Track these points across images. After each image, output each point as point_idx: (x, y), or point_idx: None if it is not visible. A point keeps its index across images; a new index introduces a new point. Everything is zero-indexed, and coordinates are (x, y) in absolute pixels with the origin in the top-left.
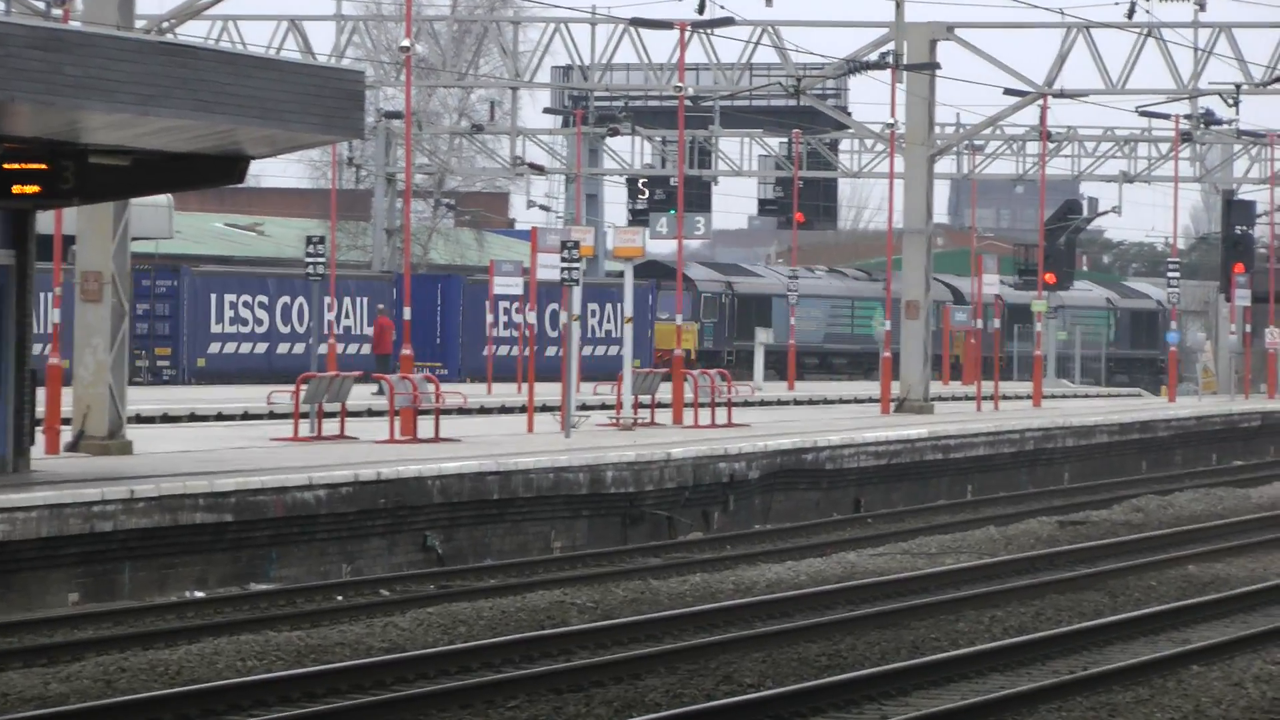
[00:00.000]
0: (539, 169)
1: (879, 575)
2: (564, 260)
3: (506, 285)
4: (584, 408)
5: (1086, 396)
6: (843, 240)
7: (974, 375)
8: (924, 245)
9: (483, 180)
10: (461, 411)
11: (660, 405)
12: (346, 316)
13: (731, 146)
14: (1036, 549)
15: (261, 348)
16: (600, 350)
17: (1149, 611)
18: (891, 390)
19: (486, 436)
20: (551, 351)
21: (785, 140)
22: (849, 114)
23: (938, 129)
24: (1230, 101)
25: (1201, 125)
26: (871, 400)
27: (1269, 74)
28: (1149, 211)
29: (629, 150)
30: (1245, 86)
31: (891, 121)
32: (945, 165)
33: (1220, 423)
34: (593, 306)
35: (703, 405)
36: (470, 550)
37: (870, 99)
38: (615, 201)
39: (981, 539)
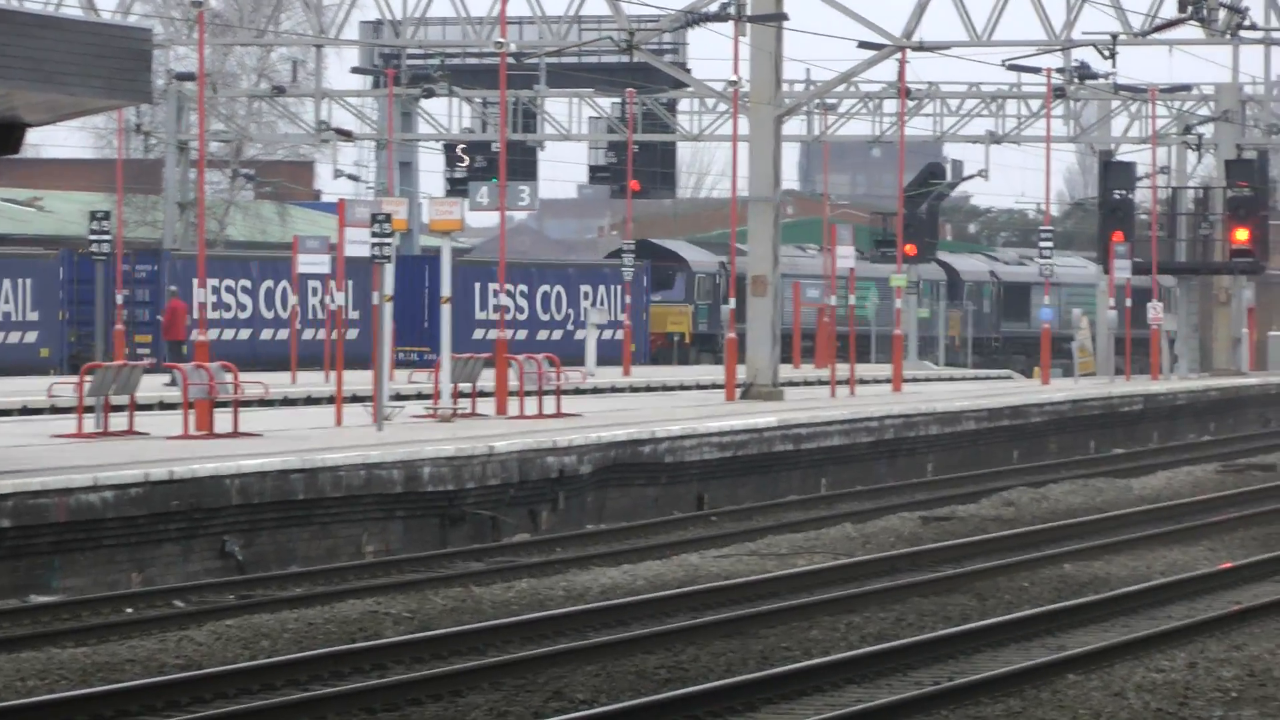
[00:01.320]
0: (347, 135)
1: (724, 579)
2: (375, 235)
3: (312, 263)
4: (399, 398)
5: (952, 380)
6: (682, 210)
7: (828, 358)
8: (771, 215)
9: (285, 148)
10: (264, 403)
11: (483, 394)
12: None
13: (559, 108)
14: (897, 548)
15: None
16: (604, 334)
17: (1021, 615)
18: (738, 375)
19: (291, 431)
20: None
21: (618, 101)
22: (688, 71)
23: (786, 87)
24: (1107, 53)
25: (1075, 80)
26: (716, 386)
27: (1149, 22)
28: (1019, 175)
29: (446, 113)
30: (1123, 37)
31: (735, 79)
32: (795, 126)
33: (1099, 407)
34: (585, 288)
35: (530, 394)
36: (274, 556)
37: (712, 54)
38: (432, 170)
39: (837, 537)
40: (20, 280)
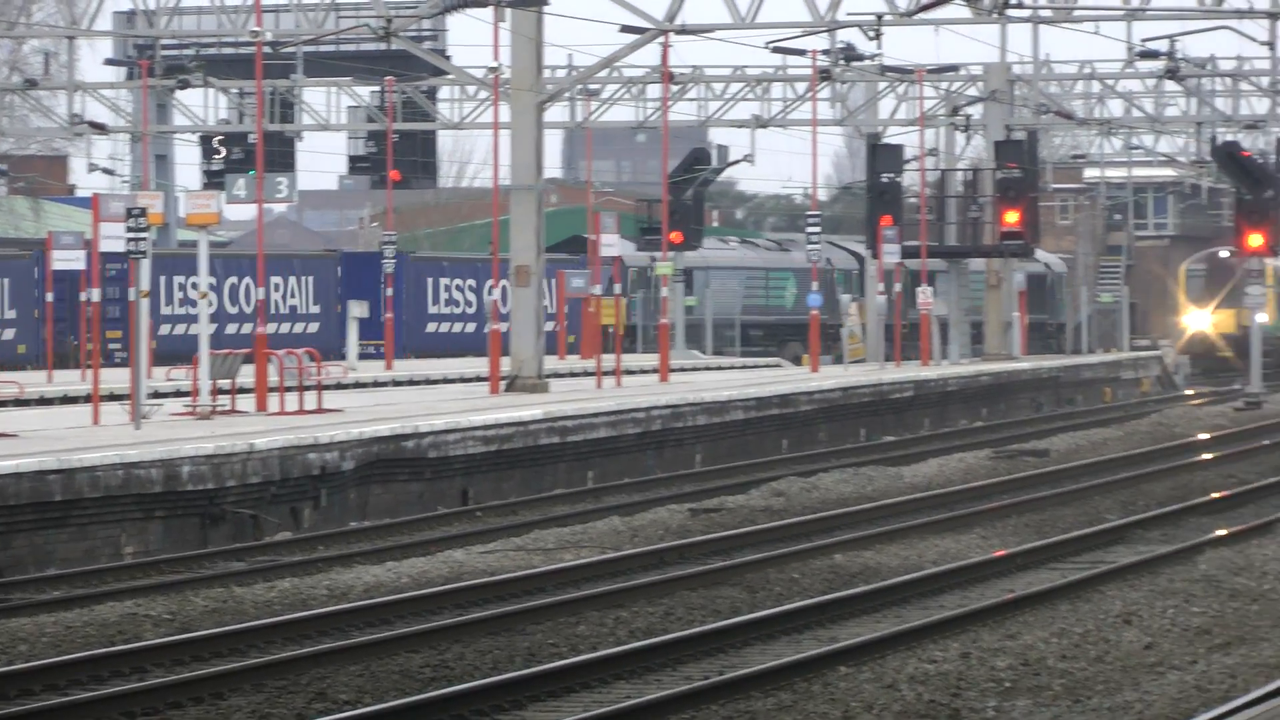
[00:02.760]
0: (100, 128)
1: (490, 575)
2: (130, 230)
3: (67, 259)
4: (157, 396)
5: (720, 369)
6: (445, 199)
7: (594, 349)
8: (534, 203)
9: (38, 142)
10: (19, 403)
11: (243, 390)
12: None
13: (317, 98)
14: (666, 541)
15: None
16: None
17: (791, 607)
18: (502, 366)
19: (47, 431)
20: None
21: (377, 89)
22: (448, 58)
23: (548, 73)
24: (872, 34)
25: (841, 62)
26: (480, 379)
27: (915, 2)
28: (786, 160)
29: (202, 104)
30: (889, 17)
31: (495, 66)
32: (557, 113)
33: (869, 394)
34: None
35: (290, 389)
36: (30, 559)
37: (472, 40)
38: (188, 162)
39: (604, 531)
40: None
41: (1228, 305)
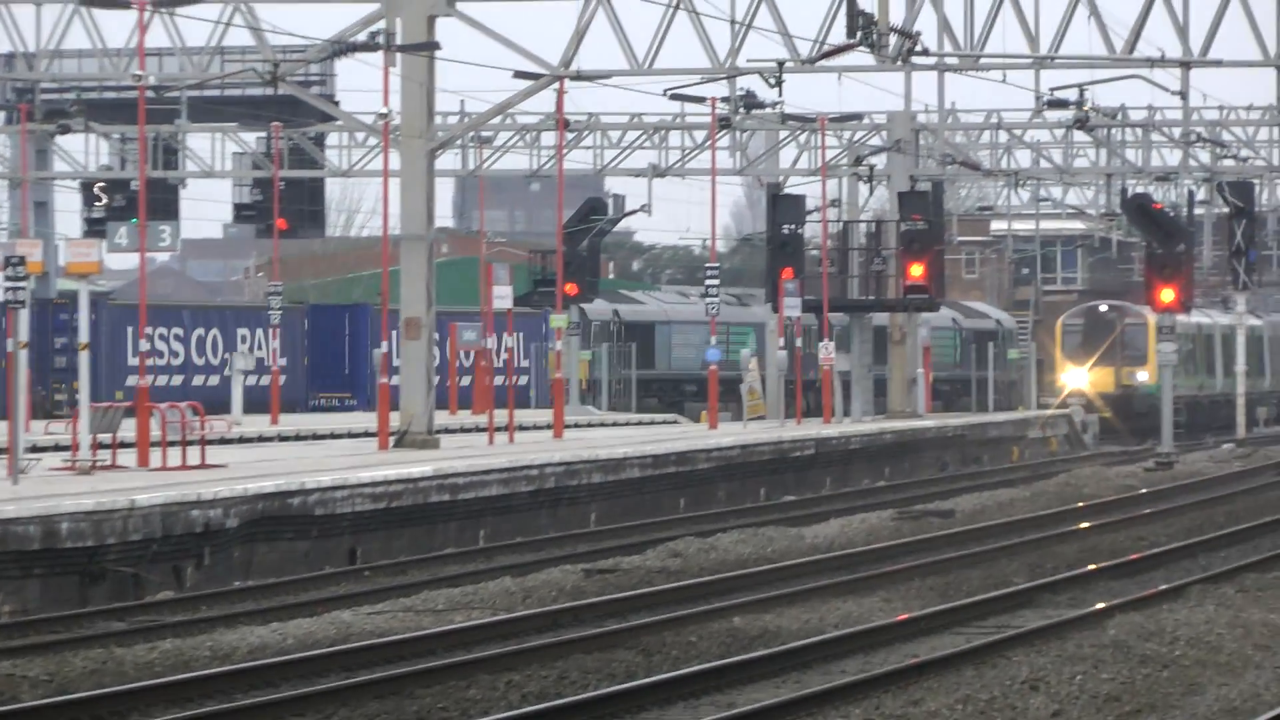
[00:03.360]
0: None
1: (378, 636)
2: (8, 279)
3: None
4: (35, 450)
5: (616, 424)
6: (333, 249)
7: (486, 404)
8: (425, 253)
9: None
10: None
11: (124, 445)
12: None
13: (202, 144)
14: (560, 602)
15: None
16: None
17: (688, 671)
18: (392, 421)
19: None
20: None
21: (264, 135)
22: (337, 104)
23: (439, 119)
24: (773, 81)
25: (741, 109)
26: (369, 434)
27: (817, 49)
28: (684, 209)
29: (83, 150)
30: (790, 64)
31: (385, 111)
32: (449, 161)
33: (769, 452)
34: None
35: (173, 444)
36: None
37: (362, 86)
38: (68, 210)
39: (497, 592)
40: None
41: (1105, 363)
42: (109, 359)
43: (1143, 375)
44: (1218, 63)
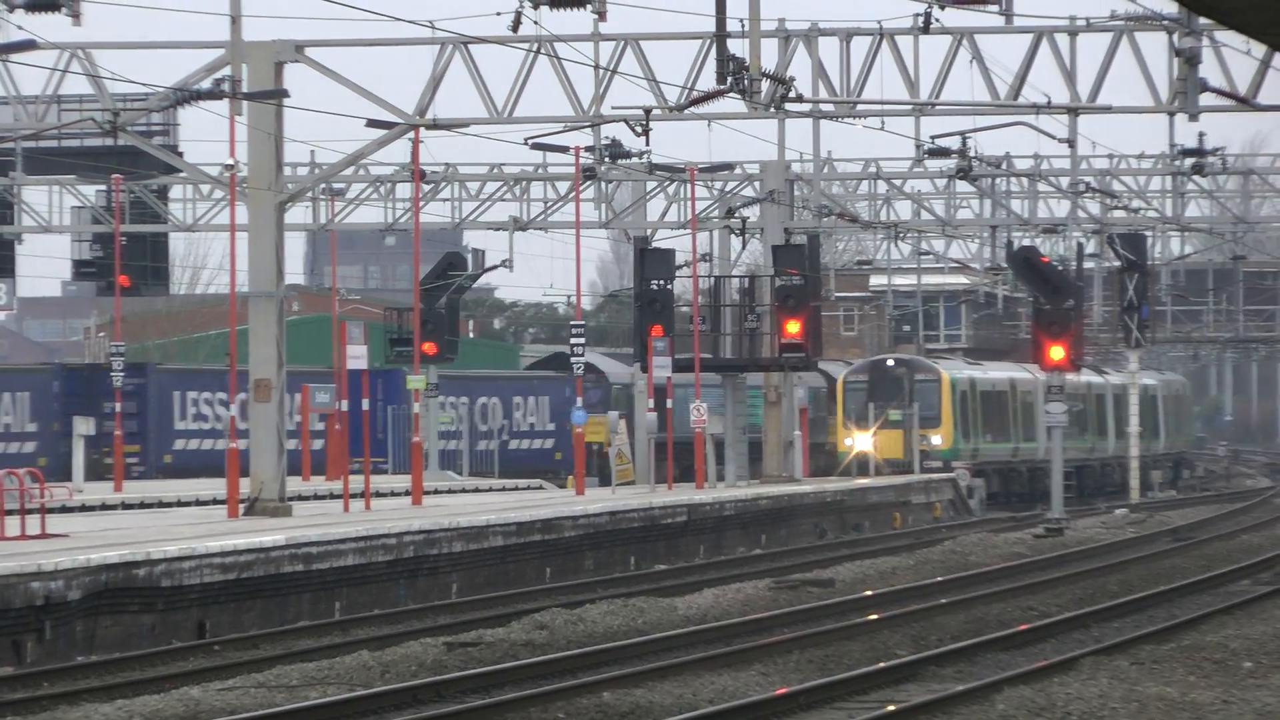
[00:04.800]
0: None
1: (229, 714)
2: None
3: None
4: None
5: (478, 490)
6: (178, 307)
7: (341, 469)
8: (275, 311)
9: None
10: None
11: None
12: None
13: (39, 197)
14: (420, 677)
15: None
16: (526, 444)
17: None
18: (242, 488)
19: None
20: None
21: (104, 188)
22: (180, 154)
23: (289, 170)
24: (639, 129)
25: (607, 159)
26: (217, 502)
27: (685, 95)
28: (547, 264)
29: None
30: (657, 111)
31: (232, 162)
32: (299, 214)
33: (639, 519)
34: (517, 399)
35: (11, 513)
36: None
37: (207, 135)
38: None
39: (353, 666)
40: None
41: (894, 426)
42: None
43: (936, 439)
44: (1107, 109)
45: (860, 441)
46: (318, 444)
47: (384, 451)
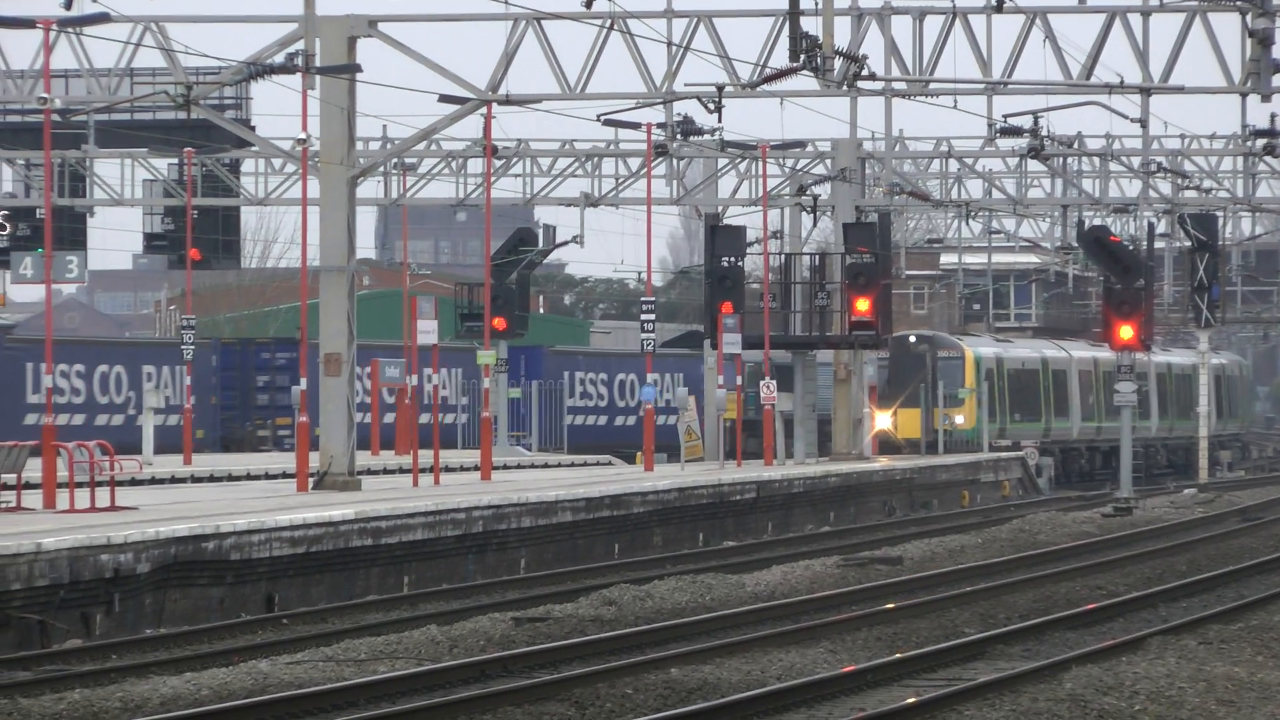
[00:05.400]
0: None
1: (296, 688)
2: None
3: None
4: None
5: (547, 466)
6: (249, 281)
7: (409, 443)
8: (345, 286)
9: None
10: None
11: (29, 486)
12: None
13: (111, 170)
14: (488, 652)
15: None
16: (662, 419)
17: None
18: (311, 462)
19: None
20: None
21: (175, 162)
22: (253, 128)
23: (361, 145)
24: (712, 106)
25: (679, 136)
26: (287, 476)
27: (758, 73)
28: (618, 241)
29: None
30: (729, 88)
31: (304, 137)
32: (371, 189)
33: (708, 495)
34: (654, 376)
35: (81, 485)
36: None
37: (279, 110)
38: None
39: (422, 641)
40: None
41: (913, 404)
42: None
43: (959, 418)
44: (1179, 89)
45: (880, 420)
46: (388, 418)
47: (526, 426)
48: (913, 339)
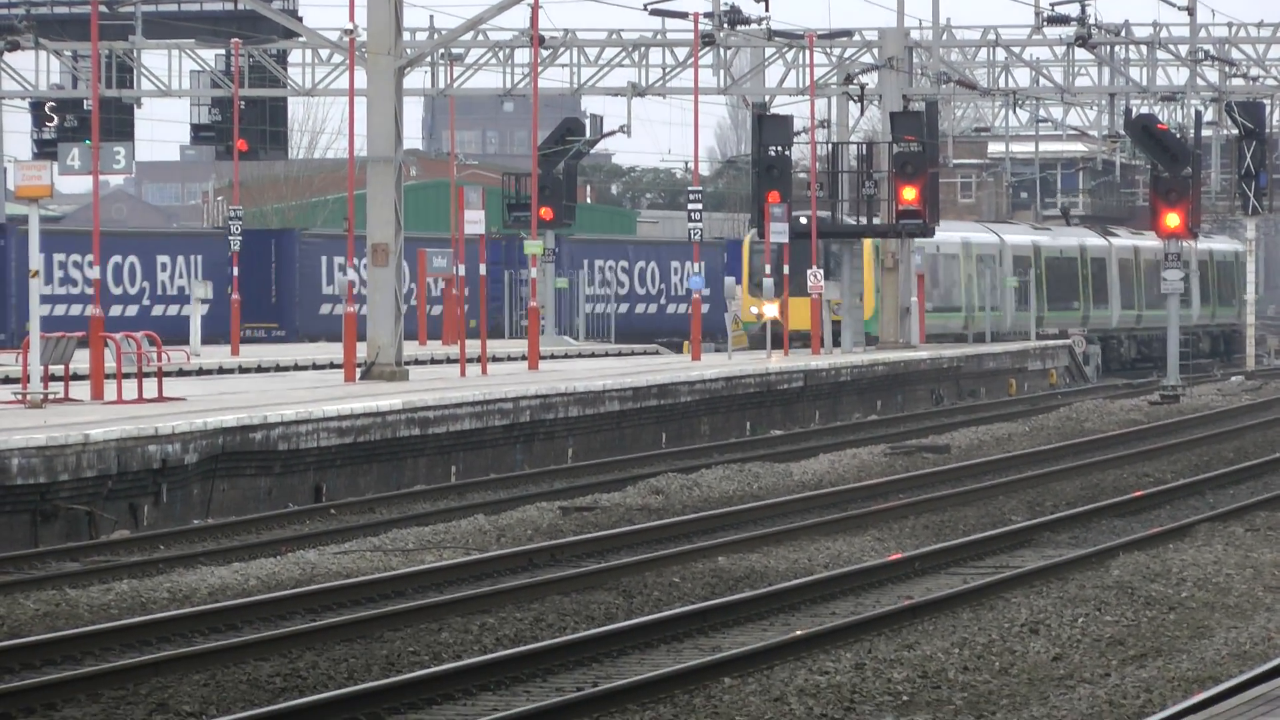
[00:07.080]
0: None
1: (345, 578)
2: None
3: None
4: None
5: (594, 355)
6: (296, 172)
7: (457, 334)
8: (393, 177)
9: None
10: None
11: (76, 377)
12: None
13: (158, 61)
14: (535, 542)
15: None
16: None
17: (671, 614)
18: (358, 353)
19: None
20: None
21: (223, 52)
22: (299, 19)
23: (408, 36)
24: None
25: (725, 25)
26: (334, 366)
27: None
28: (665, 130)
29: (34, 68)
30: None
31: (351, 27)
32: (418, 79)
33: (755, 385)
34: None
35: (129, 376)
36: None
37: (326, 0)
38: (18, 130)
39: (469, 530)
40: None
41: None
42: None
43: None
44: None
45: (768, 310)
46: (435, 309)
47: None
48: (804, 221)
